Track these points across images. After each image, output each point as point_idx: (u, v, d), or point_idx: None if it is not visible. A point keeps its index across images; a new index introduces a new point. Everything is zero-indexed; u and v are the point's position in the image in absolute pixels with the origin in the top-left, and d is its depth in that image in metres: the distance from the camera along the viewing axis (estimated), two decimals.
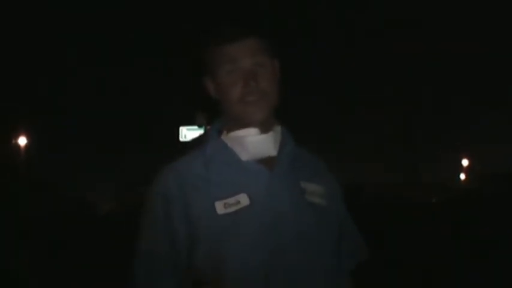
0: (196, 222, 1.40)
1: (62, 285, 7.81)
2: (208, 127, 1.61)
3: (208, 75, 1.53)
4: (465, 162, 38.41)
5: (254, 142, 1.48)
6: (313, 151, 1.61)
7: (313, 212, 1.45)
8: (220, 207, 1.40)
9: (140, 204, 1.53)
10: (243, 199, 1.41)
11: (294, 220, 1.42)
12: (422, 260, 8.34)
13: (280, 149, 1.50)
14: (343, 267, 1.54)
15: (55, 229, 12.07)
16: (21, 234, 10.18)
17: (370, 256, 1.61)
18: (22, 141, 27.67)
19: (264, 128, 1.49)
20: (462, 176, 38.42)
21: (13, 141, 27.57)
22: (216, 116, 1.58)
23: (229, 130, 1.52)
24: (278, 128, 1.54)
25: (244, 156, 1.47)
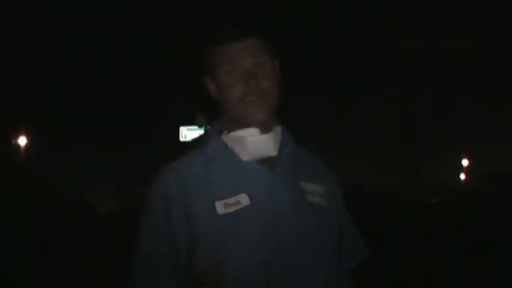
0: (196, 222, 1.40)
1: (62, 285, 7.80)
2: (209, 127, 1.62)
3: (208, 75, 1.54)
4: (465, 162, 38.39)
5: (254, 142, 1.48)
6: (313, 151, 1.61)
7: (313, 212, 1.46)
8: (220, 207, 1.40)
9: (140, 204, 1.53)
10: (243, 199, 1.41)
11: (294, 220, 1.42)
12: (422, 260, 8.32)
13: (281, 149, 1.51)
14: (343, 267, 1.55)
15: (55, 229, 12.04)
16: (21, 234, 10.16)
17: (370, 256, 1.61)
18: (22, 141, 27.64)
19: (264, 128, 1.49)
20: (462, 176, 38.40)
21: (13, 141, 27.54)
22: (216, 116, 1.58)
23: (230, 130, 1.52)
24: (278, 128, 1.54)
25: (244, 156, 1.47)
